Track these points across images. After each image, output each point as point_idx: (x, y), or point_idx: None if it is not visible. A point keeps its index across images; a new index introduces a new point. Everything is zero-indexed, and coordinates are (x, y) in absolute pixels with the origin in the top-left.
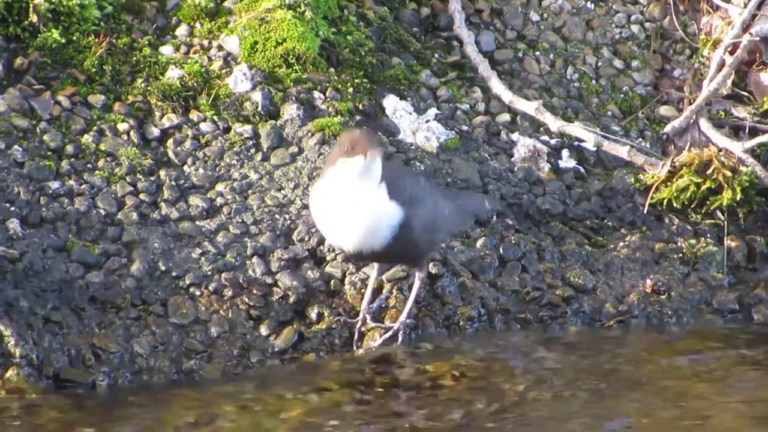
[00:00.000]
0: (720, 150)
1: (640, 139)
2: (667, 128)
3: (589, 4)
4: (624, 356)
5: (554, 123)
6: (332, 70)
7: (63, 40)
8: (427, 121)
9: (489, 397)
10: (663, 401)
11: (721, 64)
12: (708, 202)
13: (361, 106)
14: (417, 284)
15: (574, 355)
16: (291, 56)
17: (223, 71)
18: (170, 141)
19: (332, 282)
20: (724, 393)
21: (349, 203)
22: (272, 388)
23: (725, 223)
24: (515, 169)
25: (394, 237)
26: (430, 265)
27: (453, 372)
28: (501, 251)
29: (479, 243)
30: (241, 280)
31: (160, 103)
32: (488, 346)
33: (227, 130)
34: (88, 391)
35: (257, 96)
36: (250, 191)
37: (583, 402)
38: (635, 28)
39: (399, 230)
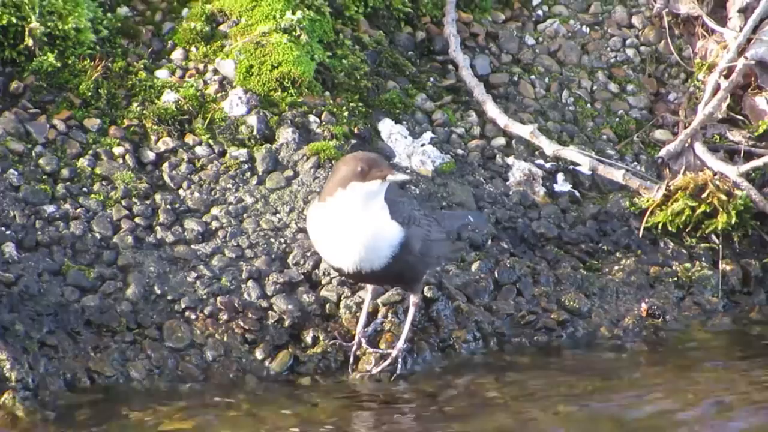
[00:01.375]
0: (715, 174)
1: (635, 163)
2: (662, 152)
3: (584, 27)
4: (619, 376)
5: (549, 147)
6: (327, 93)
7: (59, 64)
8: (423, 145)
9: (483, 417)
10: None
11: (717, 88)
12: (703, 225)
13: (356, 130)
14: (412, 310)
15: (568, 375)
16: (286, 80)
17: (219, 95)
18: (166, 165)
19: (327, 306)
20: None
21: (354, 224)
22: (267, 409)
23: (720, 246)
24: (510, 193)
25: (394, 256)
26: (425, 288)
27: (449, 392)
28: (496, 275)
29: (474, 267)
30: (236, 304)
31: (155, 127)
32: (482, 368)
33: (223, 153)
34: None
35: (253, 120)
36: (245, 215)
37: (577, 420)
38: (630, 52)
39: (399, 249)
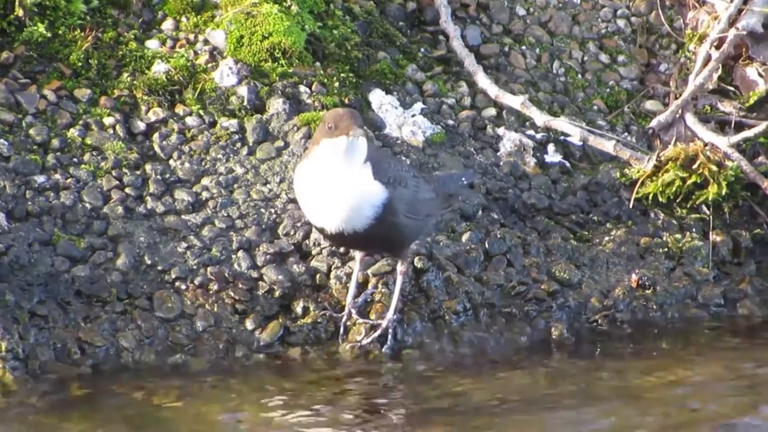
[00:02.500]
0: (706, 144)
1: (626, 134)
2: (653, 123)
3: None
4: (610, 354)
5: (540, 117)
6: (318, 64)
7: (49, 35)
8: (413, 116)
9: (474, 390)
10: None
11: (708, 59)
12: (693, 196)
13: (346, 101)
14: (400, 279)
15: (560, 352)
16: (277, 50)
17: (209, 65)
18: (156, 135)
19: (318, 276)
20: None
21: (333, 182)
22: (257, 381)
23: (711, 217)
24: (501, 164)
25: (377, 218)
26: (416, 259)
27: (437, 365)
28: (486, 245)
29: (465, 237)
30: (226, 274)
31: (146, 98)
32: (473, 341)
33: (213, 124)
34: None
35: (243, 90)
36: (235, 185)
37: (569, 393)
38: (621, 23)
39: (382, 210)
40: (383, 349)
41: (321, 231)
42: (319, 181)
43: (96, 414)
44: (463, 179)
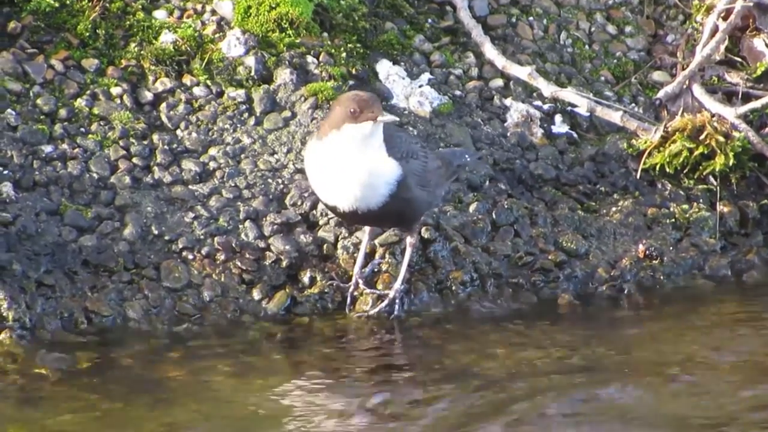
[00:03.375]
0: (713, 115)
1: (633, 105)
2: (660, 94)
3: None
4: (617, 324)
5: (547, 88)
6: (325, 34)
7: (56, 4)
8: (420, 86)
9: (481, 360)
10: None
11: (715, 30)
12: (701, 167)
13: (354, 71)
14: (409, 250)
15: (568, 322)
16: (284, 21)
17: (217, 36)
18: (163, 105)
19: (325, 246)
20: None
21: (350, 164)
22: (263, 350)
23: (718, 188)
24: (508, 134)
25: (391, 195)
26: (423, 229)
27: (444, 335)
28: (494, 216)
29: (472, 208)
30: (233, 244)
31: (153, 68)
32: (480, 311)
33: (220, 94)
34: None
35: (250, 60)
36: (242, 155)
37: (576, 366)
38: None
39: (396, 187)
40: (390, 319)
41: (332, 209)
42: (336, 163)
43: (103, 383)
44: (466, 156)
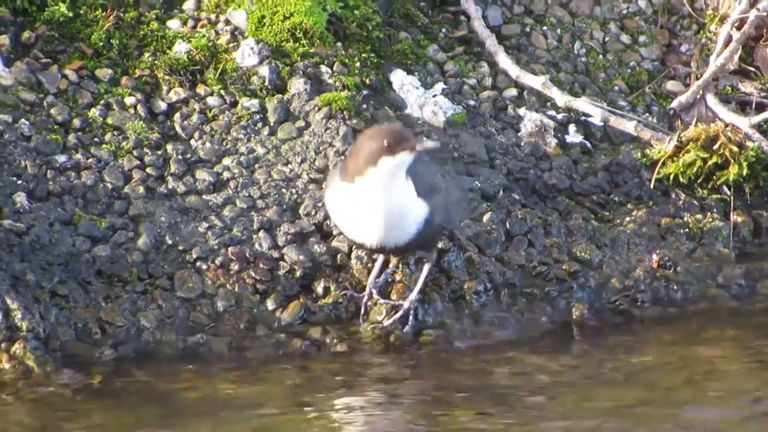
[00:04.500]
0: (727, 125)
1: (647, 114)
2: (674, 103)
3: None
4: (631, 334)
5: (561, 98)
6: (339, 44)
7: (70, 14)
8: (434, 96)
9: (495, 370)
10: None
11: (728, 40)
12: (714, 177)
13: (368, 81)
14: (427, 266)
15: (581, 332)
16: (298, 30)
17: (231, 45)
18: (177, 115)
19: (339, 256)
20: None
21: (383, 203)
22: (277, 361)
23: (731, 198)
24: (522, 144)
25: (419, 232)
26: None
27: (458, 346)
28: (507, 226)
29: (486, 218)
30: (247, 254)
31: (167, 77)
32: (494, 321)
33: (234, 104)
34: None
35: (264, 70)
36: (256, 165)
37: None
38: (642, 3)
39: (423, 225)
40: (404, 330)
41: (360, 245)
42: (368, 204)
43: (116, 394)
44: (477, 184)
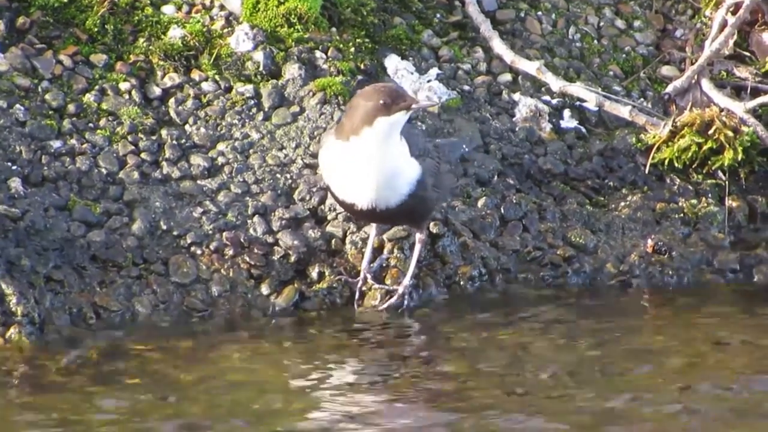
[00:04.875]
0: (722, 110)
1: (642, 99)
2: (669, 88)
3: None
4: (625, 315)
5: (556, 83)
6: (334, 29)
7: (65, 0)
8: (429, 81)
9: (490, 354)
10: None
11: (723, 25)
12: (709, 162)
13: (362, 66)
14: (418, 246)
15: (575, 311)
16: (293, 16)
17: (225, 31)
18: (172, 100)
19: (333, 241)
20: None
21: (379, 162)
22: (272, 346)
23: (726, 183)
24: (516, 129)
25: (410, 194)
26: (431, 224)
27: (452, 330)
28: (502, 211)
29: (480, 203)
30: (242, 239)
31: (161, 63)
32: (487, 304)
33: (229, 89)
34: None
35: (259, 56)
36: (251, 150)
37: (582, 356)
38: None
39: (416, 186)
40: (398, 314)
41: (348, 207)
42: (363, 162)
43: (111, 379)
44: (464, 147)
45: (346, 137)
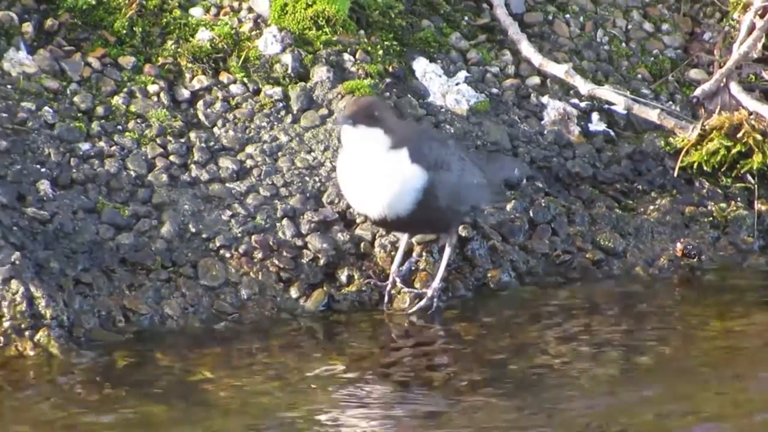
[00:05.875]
0: (750, 113)
1: (670, 103)
2: (698, 91)
3: None
4: (653, 312)
5: (584, 86)
6: (362, 32)
7: (93, 2)
8: (457, 84)
9: (518, 356)
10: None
11: (752, 28)
12: (738, 165)
13: (390, 69)
14: (448, 250)
15: (601, 314)
16: (321, 18)
17: (253, 33)
18: (200, 103)
19: (362, 244)
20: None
21: (367, 169)
22: (301, 349)
23: (756, 186)
24: (545, 132)
25: (418, 202)
26: (460, 227)
27: (481, 330)
28: (531, 214)
29: (509, 206)
30: (271, 243)
31: (190, 65)
32: (515, 306)
33: (257, 92)
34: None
35: (287, 58)
36: (280, 153)
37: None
38: None
39: (423, 195)
40: (428, 317)
41: (365, 217)
42: (356, 169)
43: (139, 382)
44: (516, 171)
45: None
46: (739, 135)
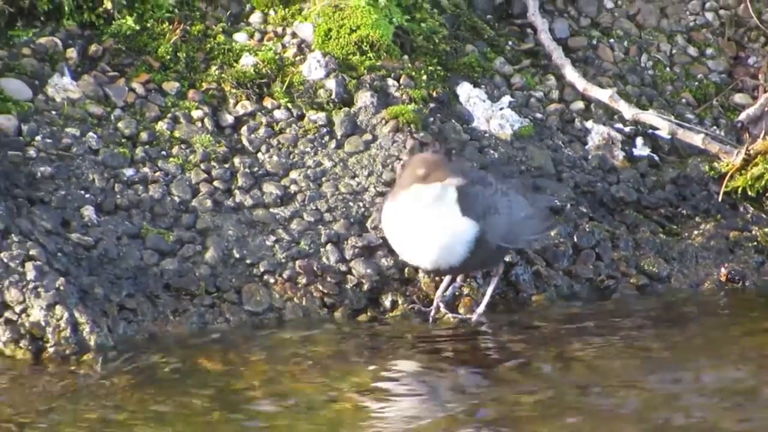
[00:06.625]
0: None
1: (715, 127)
2: (742, 116)
3: None
4: (700, 335)
5: (628, 111)
6: (406, 57)
7: (137, 27)
8: (501, 109)
9: (564, 384)
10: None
11: None
12: None
13: (434, 94)
14: (495, 280)
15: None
16: (365, 43)
17: (297, 58)
18: (244, 128)
19: (406, 270)
20: None
21: (422, 226)
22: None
23: None
24: (589, 157)
25: (471, 252)
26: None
27: (526, 358)
28: (575, 239)
29: (553, 231)
30: (315, 268)
31: (234, 91)
32: (560, 322)
33: (301, 117)
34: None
35: (331, 83)
36: (324, 178)
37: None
38: (710, 16)
39: (475, 245)
40: (472, 342)
41: (417, 267)
42: (409, 225)
43: (182, 399)
44: (556, 201)
45: (394, 197)
46: None
